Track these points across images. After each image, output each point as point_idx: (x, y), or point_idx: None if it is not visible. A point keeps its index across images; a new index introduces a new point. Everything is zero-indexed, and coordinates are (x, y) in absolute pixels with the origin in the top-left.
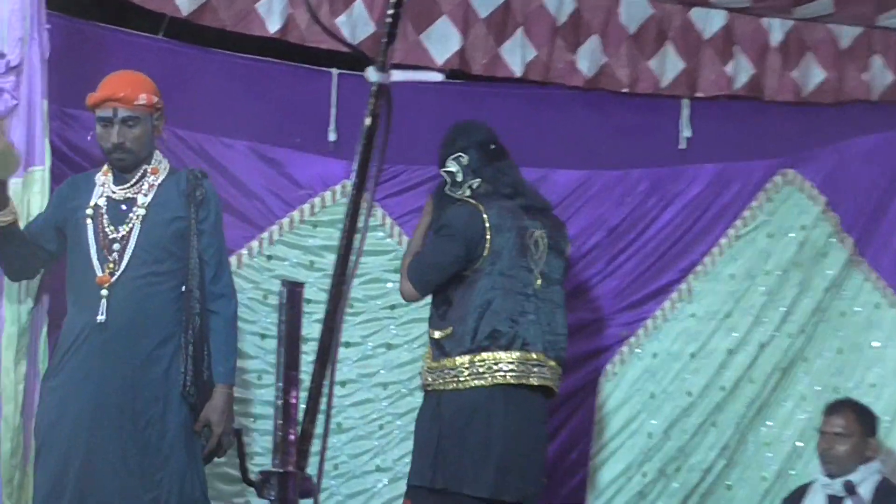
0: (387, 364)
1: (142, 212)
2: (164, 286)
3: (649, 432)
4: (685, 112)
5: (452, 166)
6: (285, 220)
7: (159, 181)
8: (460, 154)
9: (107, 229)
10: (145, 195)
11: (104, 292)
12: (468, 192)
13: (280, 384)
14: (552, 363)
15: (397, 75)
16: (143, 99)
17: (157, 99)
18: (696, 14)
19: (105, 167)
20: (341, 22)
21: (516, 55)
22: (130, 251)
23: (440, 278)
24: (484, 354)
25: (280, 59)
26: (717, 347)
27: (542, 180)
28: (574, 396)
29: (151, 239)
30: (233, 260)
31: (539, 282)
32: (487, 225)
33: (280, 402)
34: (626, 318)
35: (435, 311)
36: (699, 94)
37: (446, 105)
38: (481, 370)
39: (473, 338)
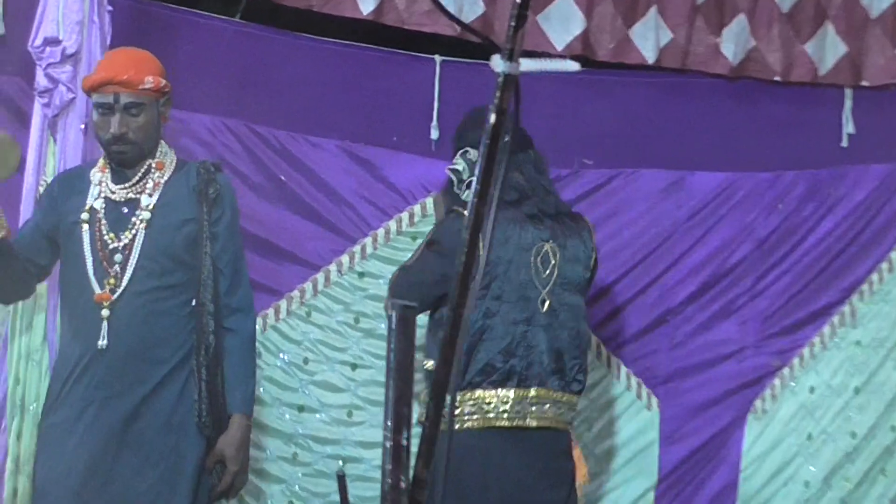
0: None
1: (146, 215)
2: (174, 301)
3: (806, 480)
4: (848, 104)
5: (459, 163)
6: (380, 231)
7: (166, 178)
8: (468, 149)
9: (105, 237)
10: (150, 195)
11: (105, 312)
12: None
13: (389, 423)
14: (559, 395)
15: (527, 65)
16: (149, 82)
17: (164, 81)
18: None
19: (101, 162)
20: (446, 1)
21: (649, 39)
22: (134, 263)
23: (423, 298)
24: (476, 392)
25: (374, 45)
26: (886, 380)
27: (677, 184)
28: (715, 438)
29: (158, 247)
30: (319, 277)
31: (546, 304)
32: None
33: (389, 443)
34: (779, 345)
35: (429, 338)
36: (865, 83)
37: (566, 97)
38: (472, 410)
39: (464, 373)
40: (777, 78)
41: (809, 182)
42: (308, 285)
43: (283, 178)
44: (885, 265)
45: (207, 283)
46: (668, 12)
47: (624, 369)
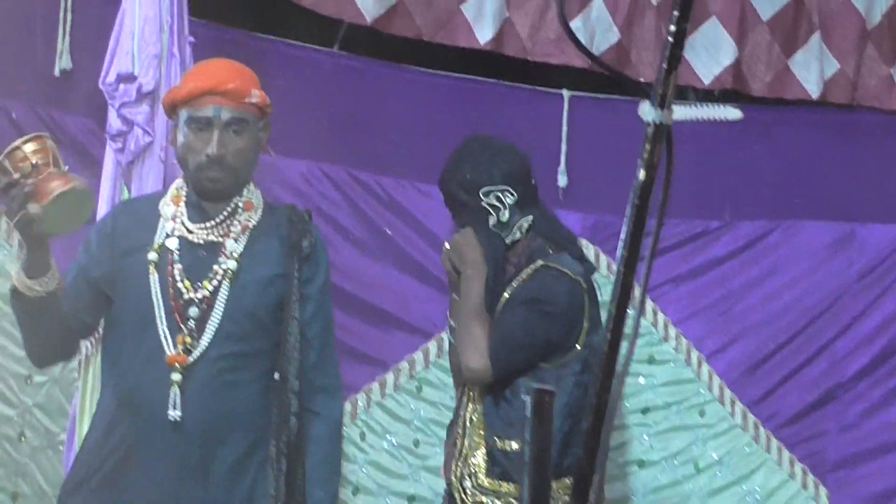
0: (642, 488)
1: (232, 264)
2: (252, 373)
3: None
4: None
5: (495, 201)
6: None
7: (254, 221)
8: (507, 189)
9: (180, 284)
10: (236, 240)
11: (176, 377)
12: (518, 235)
13: None
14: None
15: (682, 113)
16: (255, 95)
17: (268, 100)
18: None
19: (174, 192)
20: (575, 28)
21: (811, 70)
22: (217, 321)
23: (525, 365)
24: (567, 481)
25: (492, 78)
26: None
27: (846, 239)
28: None
29: (243, 305)
30: (431, 346)
31: None
32: (585, 306)
33: None
34: None
35: (494, 409)
36: None
37: (714, 138)
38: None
39: (559, 462)
40: None
41: None
42: (418, 355)
43: (388, 231)
44: None
45: (293, 354)
46: (834, 39)
47: (786, 454)
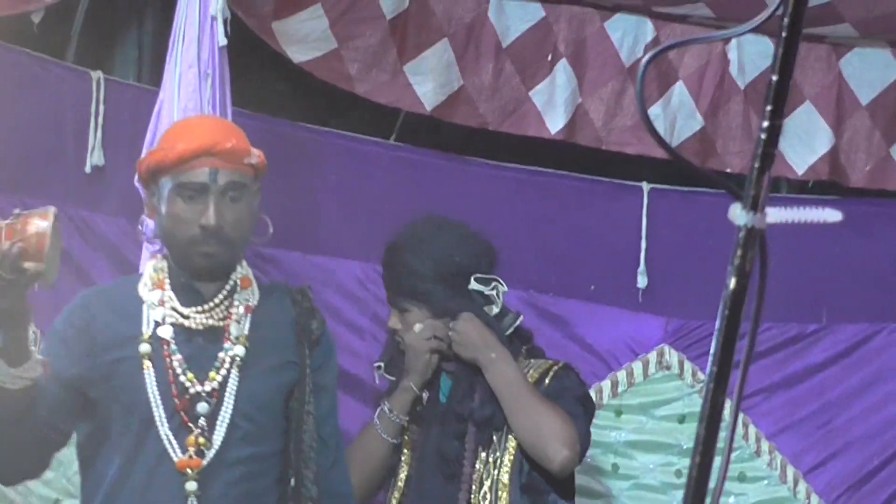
0: None
1: (240, 351)
2: (269, 479)
3: None
4: None
5: (487, 289)
6: None
7: (255, 302)
8: (498, 280)
9: (182, 378)
10: (239, 323)
11: (192, 486)
12: (509, 331)
13: None
14: None
15: (776, 216)
16: (254, 155)
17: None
18: None
19: (153, 275)
20: (653, 114)
21: None
22: (228, 416)
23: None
24: None
25: (561, 170)
26: None
27: None
28: None
29: (257, 397)
30: None
31: None
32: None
33: None
34: None
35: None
36: None
37: (808, 233)
38: None
39: None
40: None
41: None
42: None
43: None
44: None
45: (309, 455)
46: None
47: None
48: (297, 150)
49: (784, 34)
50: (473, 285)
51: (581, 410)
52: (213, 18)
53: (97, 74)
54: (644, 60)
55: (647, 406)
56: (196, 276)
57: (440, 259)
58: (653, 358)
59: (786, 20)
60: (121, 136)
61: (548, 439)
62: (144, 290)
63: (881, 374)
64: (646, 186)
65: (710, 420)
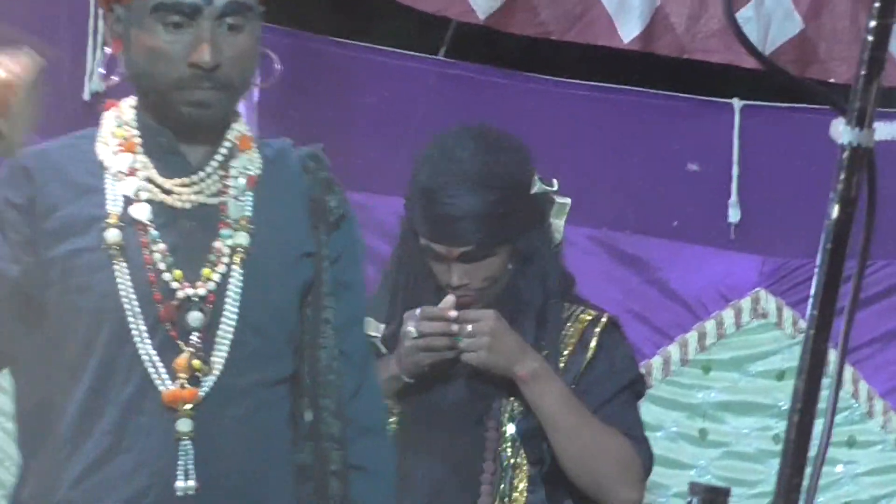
0: None
1: (242, 239)
2: (281, 412)
3: None
4: None
5: (552, 188)
6: (655, 361)
7: (258, 169)
8: (551, 191)
9: (167, 275)
10: (239, 200)
11: (185, 426)
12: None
13: None
14: None
15: (888, 131)
16: None
17: None
18: None
19: (119, 131)
20: (744, 17)
21: None
22: (230, 329)
23: None
24: None
25: (638, 87)
26: None
27: None
28: None
29: (266, 303)
30: None
31: None
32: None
33: None
34: None
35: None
36: None
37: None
38: None
39: None
40: None
41: None
42: None
43: None
44: None
45: (327, 379)
46: None
47: None
48: (329, 69)
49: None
50: (539, 187)
51: (637, 415)
52: None
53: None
54: None
55: (741, 361)
56: (181, 135)
57: (507, 174)
58: (746, 305)
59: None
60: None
61: (610, 482)
62: (106, 152)
63: None
64: (737, 103)
65: (811, 374)
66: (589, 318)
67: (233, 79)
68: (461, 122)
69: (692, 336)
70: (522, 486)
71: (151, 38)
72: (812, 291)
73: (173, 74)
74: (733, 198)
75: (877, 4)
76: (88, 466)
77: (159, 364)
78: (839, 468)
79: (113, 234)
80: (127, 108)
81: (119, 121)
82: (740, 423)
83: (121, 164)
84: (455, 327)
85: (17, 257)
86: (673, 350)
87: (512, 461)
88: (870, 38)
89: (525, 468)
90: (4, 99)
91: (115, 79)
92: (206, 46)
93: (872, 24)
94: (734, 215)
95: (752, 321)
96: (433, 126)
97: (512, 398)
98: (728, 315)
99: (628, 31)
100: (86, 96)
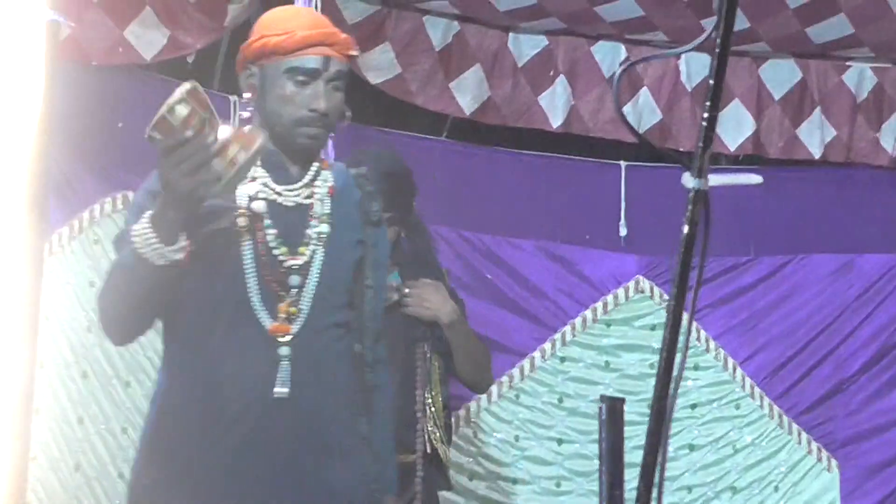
0: (690, 466)
1: (325, 229)
2: (346, 344)
3: None
4: None
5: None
6: (577, 320)
7: (331, 182)
8: None
9: (275, 251)
10: (322, 202)
11: (284, 351)
12: None
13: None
14: None
15: (716, 180)
16: (355, 49)
17: None
18: None
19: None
20: (627, 111)
21: (814, 136)
22: (313, 288)
23: None
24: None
25: (564, 154)
26: None
27: (846, 267)
28: (892, 496)
29: (337, 272)
30: (525, 363)
31: None
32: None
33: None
34: None
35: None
36: None
37: (741, 191)
38: None
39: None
40: None
41: None
42: (516, 371)
43: (489, 276)
44: None
45: (369, 325)
46: (832, 112)
47: (804, 435)
48: (367, 145)
49: (717, 51)
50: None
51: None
52: None
53: (234, 98)
54: (617, 73)
55: (629, 319)
56: (292, 156)
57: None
58: (631, 285)
59: (718, 41)
60: None
61: (483, 371)
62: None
63: (793, 291)
64: (623, 164)
65: (673, 327)
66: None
67: (333, 122)
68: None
69: (599, 305)
70: (436, 378)
71: (283, 89)
72: (671, 276)
73: (297, 115)
74: (622, 221)
75: (707, 104)
76: (217, 371)
77: (263, 307)
78: (689, 383)
79: (242, 221)
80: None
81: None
82: (630, 357)
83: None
84: (406, 290)
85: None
86: (587, 313)
87: (434, 364)
88: (704, 124)
89: (438, 369)
90: (234, 156)
91: (245, 114)
92: (322, 98)
93: (706, 115)
94: (623, 231)
95: (635, 295)
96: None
97: (435, 332)
98: (620, 292)
99: (556, 120)
100: None
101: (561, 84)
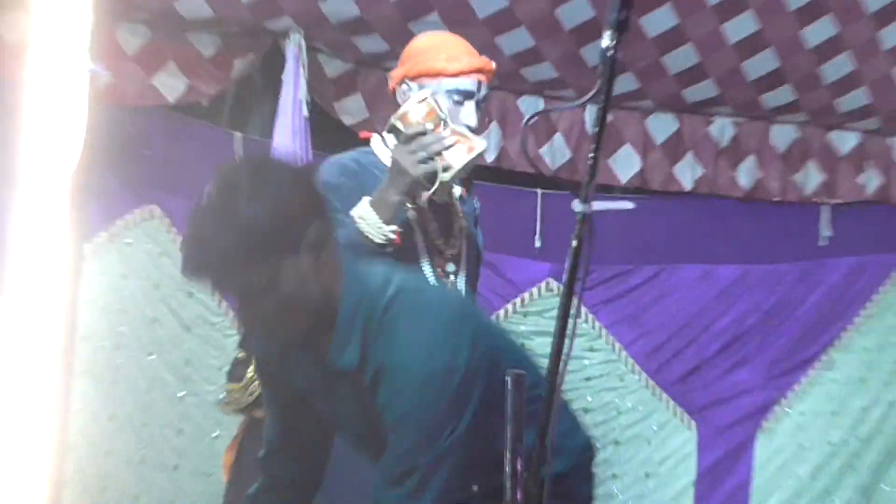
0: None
1: (464, 223)
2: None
3: (799, 475)
4: (825, 215)
5: None
6: (501, 312)
7: (459, 187)
8: None
9: (437, 242)
10: (459, 201)
11: (451, 266)
12: None
13: (508, 455)
14: None
15: (597, 205)
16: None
17: None
18: (834, 136)
19: (386, 149)
20: (544, 151)
21: (686, 173)
22: (465, 275)
23: None
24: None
25: (496, 183)
26: (853, 406)
27: (707, 275)
28: (736, 448)
29: (473, 261)
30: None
31: None
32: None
33: (509, 467)
34: (779, 383)
35: None
36: (837, 201)
37: (631, 214)
38: None
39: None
40: (777, 199)
41: (798, 270)
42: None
43: None
44: (851, 326)
45: (474, 290)
46: (700, 155)
47: (672, 403)
48: None
49: (600, 105)
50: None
51: None
52: (300, 100)
53: (238, 134)
54: (523, 123)
55: (541, 311)
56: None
57: None
58: (543, 285)
59: (602, 97)
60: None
61: None
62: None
63: (665, 293)
64: (539, 191)
65: (563, 318)
66: None
67: (479, 134)
68: None
69: (518, 300)
70: None
71: (440, 105)
72: (563, 277)
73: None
74: (538, 235)
75: (593, 146)
76: None
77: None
78: (585, 361)
79: (412, 213)
80: (385, 139)
81: (386, 147)
82: (540, 340)
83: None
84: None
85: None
86: (509, 306)
87: None
88: (590, 163)
89: None
90: (458, 156)
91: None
92: (473, 116)
93: (591, 155)
94: (538, 243)
95: (546, 293)
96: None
97: None
98: (535, 290)
99: (490, 157)
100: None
101: (494, 129)
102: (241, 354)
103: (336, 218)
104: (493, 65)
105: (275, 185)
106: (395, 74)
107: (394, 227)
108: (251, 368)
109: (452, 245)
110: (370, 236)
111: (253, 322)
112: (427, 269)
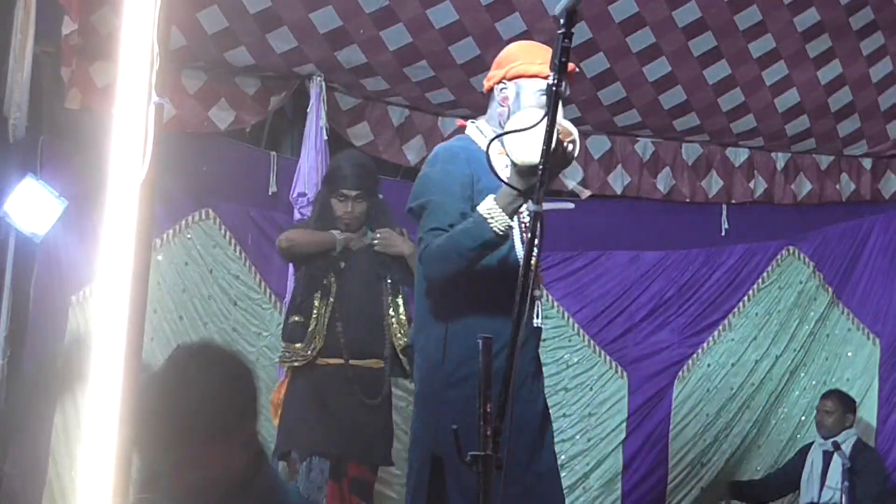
0: None
1: (527, 219)
2: None
3: (707, 413)
4: (724, 213)
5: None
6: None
7: None
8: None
9: (522, 223)
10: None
11: (537, 293)
12: None
13: (479, 400)
14: None
15: (546, 206)
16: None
17: None
18: (730, 151)
19: (484, 138)
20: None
21: (617, 181)
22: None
23: None
24: None
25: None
26: (748, 359)
27: (635, 259)
28: (658, 392)
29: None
30: None
31: None
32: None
33: (481, 410)
34: (691, 342)
35: None
36: (733, 201)
37: (575, 213)
38: None
39: None
40: (687, 200)
41: (705, 255)
42: None
43: None
44: (745, 298)
45: None
46: (628, 167)
47: (608, 357)
48: None
49: (545, 132)
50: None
51: None
52: (321, 127)
53: (273, 153)
54: (489, 140)
55: None
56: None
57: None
58: None
59: (546, 122)
60: (283, 181)
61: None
62: (492, 151)
63: (603, 273)
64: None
65: (522, 291)
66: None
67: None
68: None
69: None
70: (400, 300)
71: (536, 103)
72: (522, 266)
73: (537, 119)
74: None
75: (541, 160)
76: (493, 307)
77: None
78: (541, 324)
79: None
80: (479, 127)
81: (482, 134)
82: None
83: (502, 161)
84: (377, 235)
85: (459, 199)
86: None
87: (397, 288)
88: (539, 173)
89: (402, 294)
90: (561, 145)
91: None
92: (560, 110)
93: (539, 167)
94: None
95: None
96: (396, 213)
97: (400, 265)
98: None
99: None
100: (269, 193)
101: None
102: (298, 318)
103: (432, 201)
104: (574, 72)
105: (218, 377)
106: (493, 76)
107: (505, 219)
108: (311, 328)
109: (511, 230)
110: (492, 227)
111: (181, 495)
112: (517, 239)
